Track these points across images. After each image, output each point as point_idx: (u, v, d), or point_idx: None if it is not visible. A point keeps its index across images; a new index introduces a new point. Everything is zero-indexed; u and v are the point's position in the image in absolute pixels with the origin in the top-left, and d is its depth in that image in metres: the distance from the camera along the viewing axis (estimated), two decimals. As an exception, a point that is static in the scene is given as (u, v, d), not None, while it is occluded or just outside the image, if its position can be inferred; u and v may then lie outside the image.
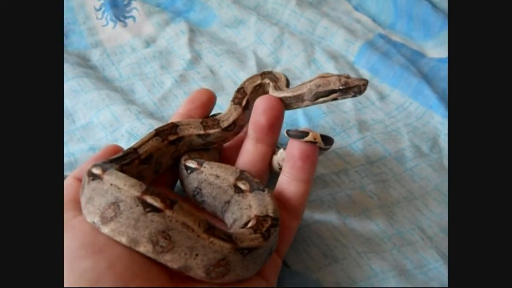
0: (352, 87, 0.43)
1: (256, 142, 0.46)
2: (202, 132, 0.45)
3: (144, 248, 0.33)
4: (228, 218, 0.42)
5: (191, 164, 0.44)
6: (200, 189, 0.43)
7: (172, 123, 0.46)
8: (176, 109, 0.53)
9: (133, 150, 0.42)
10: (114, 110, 0.58)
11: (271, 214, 0.38)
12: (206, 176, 0.42)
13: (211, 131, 0.46)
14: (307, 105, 0.46)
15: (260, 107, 0.44)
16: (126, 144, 0.55)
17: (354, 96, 0.44)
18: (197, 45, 0.74)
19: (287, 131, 0.42)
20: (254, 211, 0.38)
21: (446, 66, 0.70)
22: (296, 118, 0.62)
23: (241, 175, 0.42)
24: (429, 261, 0.45)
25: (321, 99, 0.45)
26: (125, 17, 0.77)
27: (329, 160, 0.56)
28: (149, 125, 0.56)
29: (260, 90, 0.49)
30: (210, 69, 0.70)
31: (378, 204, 0.51)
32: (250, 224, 0.37)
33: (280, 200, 0.42)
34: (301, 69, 0.71)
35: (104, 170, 0.35)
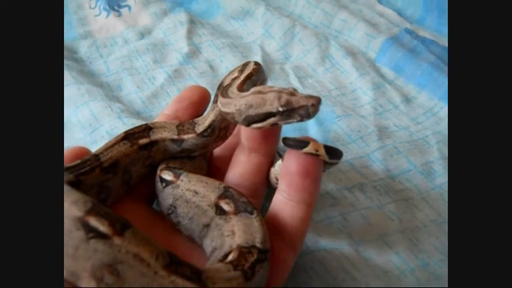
0: (297, 109, 0.32)
1: (249, 152, 0.38)
2: (175, 137, 0.37)
3: (87, 284, 0.26)
4: (207, 245, 0.34)
5: (167, 175, 0.36)
6: (176, 208, 0.35)
7: (146, 124, 0.38)
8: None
9: (94, 156, 0.35)
10: (93, 108, 0.51)
11: (258, 245, 0.30)
12: (182, 191, 0.34)
13: (185, 136, 0.38)
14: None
15: None
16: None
17: (301, 120, 0.32)
18: (196, 37, 0.66)
19: (284, 139, 0.33)
20: (238, 239, 0.31)
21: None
22: (305, 122, 0.53)
23: (225, 193, 0.33)
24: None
25: (254, 125, 0.34)
26: (120, 6, 0.70)
27: (341, 172, 0.47)
28: (131, 125, 0.48)
29: None
30: (209, 64, 0.61)
31: (400, 228, 0.43)
32: (230, 257, 0.29)
33: (274, 226, 0.34)
34: (313, 66, 0.63)
35: None
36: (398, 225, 0.43)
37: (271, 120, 0.33)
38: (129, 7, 0.70)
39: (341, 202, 0.44)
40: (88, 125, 0.50)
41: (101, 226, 0.26)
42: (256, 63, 0.41)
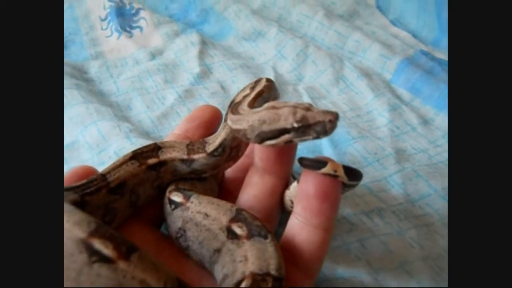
0: (313, 125, 0.30)
1: (263, 173, 0.36)
2: (185, 157, 0.36)
3: None
4: (218, 272, 0.31)
5: (176, 197, 0.34)
6: (185, 231, 0.33)
7: (154, 144, 0.37)
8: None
9: (101, 176, 0.33)
10: (101, 127, 0.50)
11: (273, 272, 0.28)
12: (192, 214, 0.32)
13: (196, 156, 0.36)
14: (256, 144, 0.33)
15: None
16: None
17: (318, 137, 0.30)
18: (208, 58, 0.65)
19: (300, 159, 0.31)
20: (251, 266, 0.28)
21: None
22: (319, 143, 0.51)
23: (238, 215, 0.32)
24: None
25: (268, 142, 0.32)
26: (132, 27, 0.70)
27: (358, 197, 0.45)
28: (140, 146, 0.46)
29: None
30: (220, 85, 0.60)
31: (421, 255, 0.40)
32: (243, 285, 0.27)
33: (289, 251, 0.31)
34: (327, 87, 0.61)
35: None
36: (419, 252, 0.40)
37: (286, 137, 0.31)
38: (141, 28, 0.70)
39: (358, 228, 0.42)
40: (96, 145, 0.49)
41: (105, 249, 0.24)
42: (268, 80, 0.39)
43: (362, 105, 0.58)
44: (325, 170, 0.30)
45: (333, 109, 0.57)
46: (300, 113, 0.30)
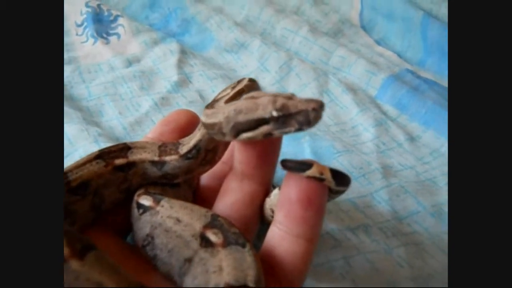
0: (295, 114, 0.26)
1: (242, 178, 0.33)
2: (156, 158, 0.32)
3: None
4: (188, 284, 0.28)
5: (145, 201, 0.31)
6: (153, 238, 0.29)
7: (124, 143, 0.33)
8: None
9: None
10: (68, 131, 0.46)
11: (251, 284, 0.24)
12: (162, 218, 0.29)
13: (167, 158, 0.32)
14: (232, 140, 0.30)
15: None
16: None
17: (300, 128, 0.27)
18: (187, 67, 0.62)
19: (282, 161, 0.28)
20: (226, 277, 0.25)
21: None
22: (301, 155, 0.48)
23: (213, 221, 0.28)
24: None
25: (244, 135, 0.28)
26: (109, 34, 0.67)
27: (343, 212, 0.42)
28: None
29: None
30: (199, 94, 0.57)
31: (411, 275, 0.37)
32: (217, 299, 0.23)
33: (269, 263, 0.28)
34: (311, 101, 0.59)
35: None
36: (409, 272, 0.37)
37: (264, 128, 0.27)
38: (118, 35, 0.67)
39: (343, 244, 0.39)
40: (61, 149, 0.45)
41: None
42: (251, 80, 0.36)
43: (347, 120, 0.56)
44: (310, 172, 0.27)
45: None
46: (280, 101, 0.27)
